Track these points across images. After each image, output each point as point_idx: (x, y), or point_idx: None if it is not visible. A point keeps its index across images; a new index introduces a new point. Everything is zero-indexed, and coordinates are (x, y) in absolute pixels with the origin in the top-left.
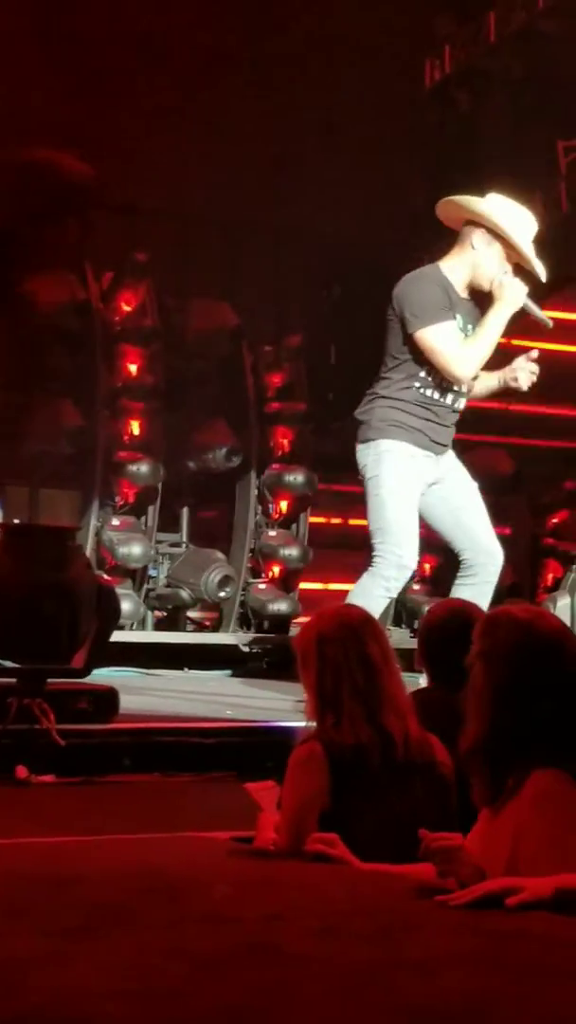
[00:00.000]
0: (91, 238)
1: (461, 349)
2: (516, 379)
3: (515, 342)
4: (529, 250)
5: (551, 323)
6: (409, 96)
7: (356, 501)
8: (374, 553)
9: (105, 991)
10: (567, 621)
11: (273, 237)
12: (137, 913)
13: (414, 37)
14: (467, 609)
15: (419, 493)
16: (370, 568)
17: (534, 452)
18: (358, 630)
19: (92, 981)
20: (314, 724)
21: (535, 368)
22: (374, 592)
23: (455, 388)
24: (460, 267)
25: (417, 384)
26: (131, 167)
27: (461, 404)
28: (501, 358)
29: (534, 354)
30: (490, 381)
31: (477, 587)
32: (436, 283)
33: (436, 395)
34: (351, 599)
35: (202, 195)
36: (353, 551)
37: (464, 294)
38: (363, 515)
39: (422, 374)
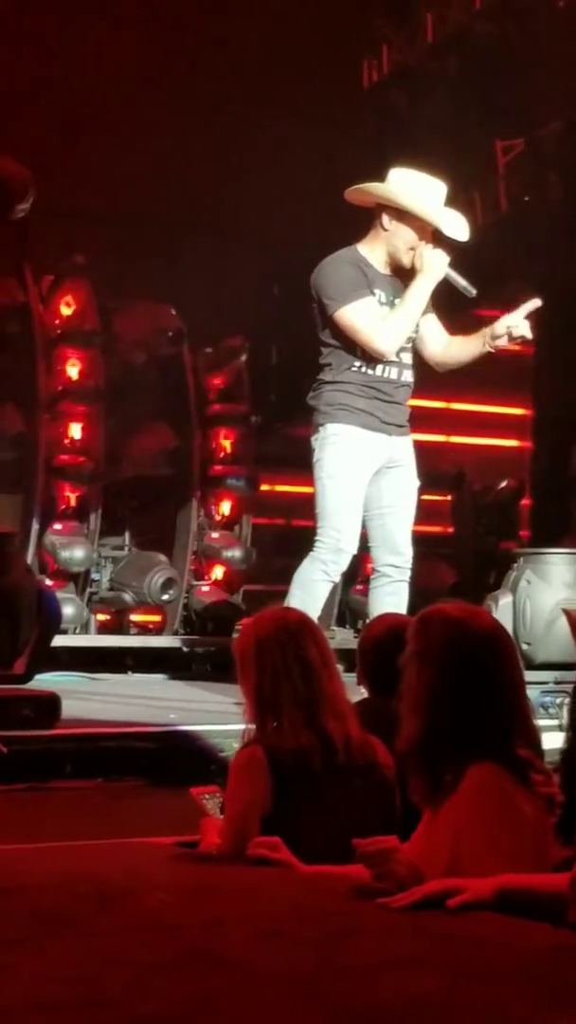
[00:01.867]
0: (29, 241)
1: (381, 323)
2: (503, 337)
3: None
4: (439, 217)
5: (474, 291)
6: (347, 97)
7: (298, 502)
8: (315, 537)
9: (45, 1002)
10: (509, 620)
11: (213, 238)
12: (78, 922)
13: (351, 38)
14: (404, 623)
15: (365, 477)
16: (310, 552)
17: (476, 450)
18: (296, 633)
19: (32, 992)
20: (254, 728)
21: (519, 323)
22: (313, 576)
23: (396, 360)
24: (376, 247)
25: (357, 364)
26: (70, 169)
27: (408, 376)
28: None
29: (531, 305)
30: (471, 345)
31: (388, 588)
32: (349, 263)
33: (379, 371)
34: (293, 585)
35: (141, 196)
36: (297, 552)
37: (386, 271)
38: (305, 516)
39: (357, 352)
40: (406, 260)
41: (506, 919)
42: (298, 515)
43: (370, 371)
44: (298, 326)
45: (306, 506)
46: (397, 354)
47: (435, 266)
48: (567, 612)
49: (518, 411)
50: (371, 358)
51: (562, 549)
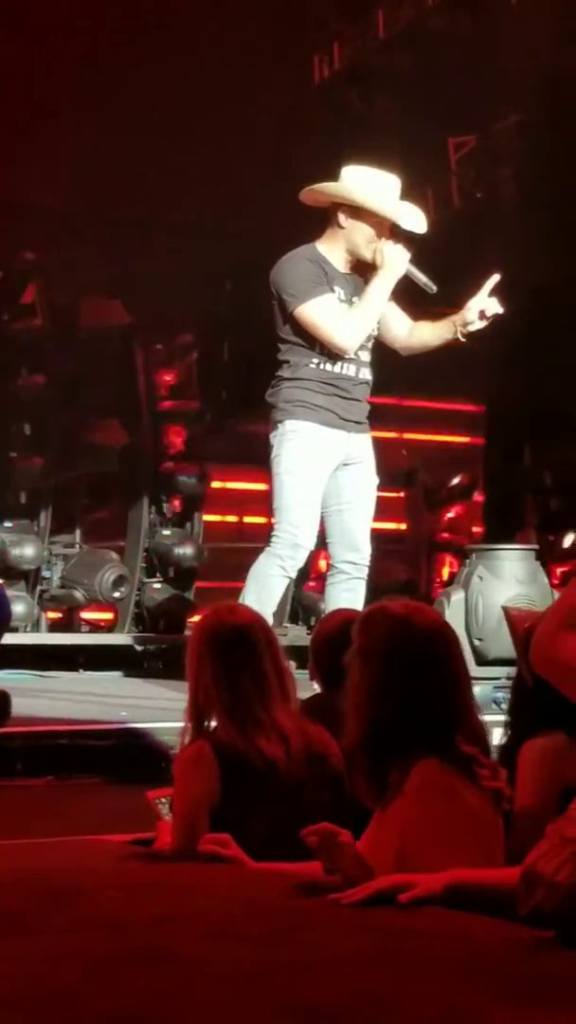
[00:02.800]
0: None
1: (342, 320)
2: (475, 322)
3: None
4: (394, 211)
5: (435, 287)
6: (299, 93)
7: (250, 499)
8: (272, 532)
9: None
10: (461, 616)
11: (164, 234)
12: (28, 919)
13: (303, 34)
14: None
15: (324, 474)
16: (267, 548)
17: (429, 447)
18: (243, 629)
19: None
20: (191, 726)
21: (488, 303)
22: (269, 571)
23: (355, 357)
24: (335, 246)
25: (315, 361)
26: (20, 165)
27: (366, 373)
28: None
29: (493, 281)
30: (439, 331)
31: (344, 584)
32: (309, 259)
33: (337, 368)
34: (248, 580)
35: (92, 192)
36: (248, 549)
37: (345, 269)
38: (257, 513)
39: (316, 349)
40: (367, 255)
41: (455, 914)
42: (250, 512)
43: (329, 368)
44: (249, 323)
45: (258, 503)
46: (356, 351)
47: (395, 262)
48: (507, 611)
49: (471, 407)
50: (330, 354)
51: (514, 545)
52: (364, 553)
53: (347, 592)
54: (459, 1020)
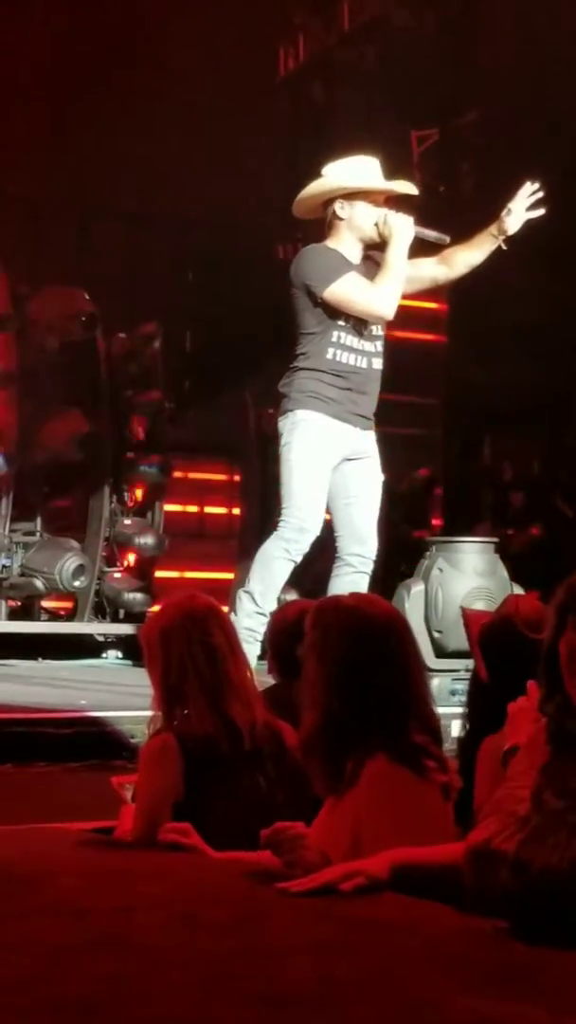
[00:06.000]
0: None
1: (374, 289)
2: (513, 227)
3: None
4: (385, 183)
5: (448, 238)
6: (264, 84)
7: (212, 489)
8: (279, 517)
9: None
10: (421, 608)
11: (127, 223)
12: None
13: (268, 25)
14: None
15: (330, 464)
16: (274, 531)
17: (389, 439)
18: (201, 620)
19: None
20: (160, 716)
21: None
22: (275, 553)
23: (367, 350)
24: (342, 239)
25: (330, 353)
26: None
27: (378, 364)
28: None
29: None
30: (481, 247)
31: (349, 577)
32: (325, 248)
33: (351, 360)
34: (254, 562)
35: (54, 181)
36: (209, 539)
37: (357, 260)
38: (218, 503)
39: (333, 340)
40: (375, 235)
41: (411, 902)
42: (211, 502)
43: (343, 360)
44: (212, 312)
45: (219, 492)
46: (369, 341)
47: (403, 229)
48: (464, 610)
49: (430, 400)
50: (347, 345)
51: (474, 537)
52: (370, 546)
53: (352, 585)
54: (421, 1009)
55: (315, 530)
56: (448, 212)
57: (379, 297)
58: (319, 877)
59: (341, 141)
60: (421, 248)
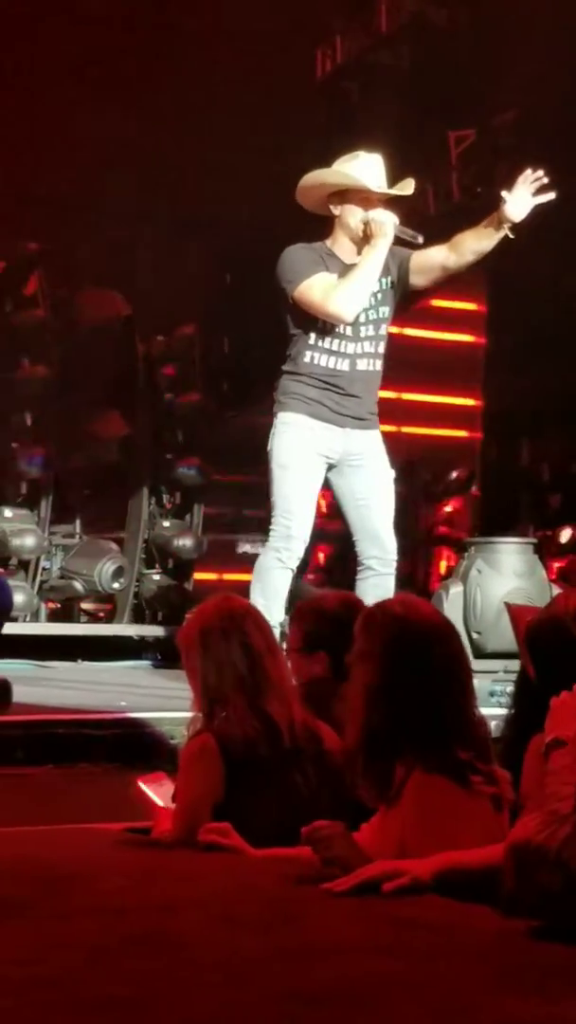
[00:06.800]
0: None
1: (334, 290)
2: (513, 214)
3: (408, 331)
4: (373, 180)
5: (421, 238)
6: (301, 86)
7: (249, 491)
8: (269, 526)
9: None
10: (459, 609)
11: (165, 226)
12: (28, 905)
13: (305, 27)
14: (356, 600)
15: (316, 466)
16: (266, 543)
17: (427, 441)
18: (239, 620)
19: None
20: (200, 717)
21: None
22: (268, 565)
23: (348, 351)
24: (338, 238)
25: (309, 355)
26: (22, 156)
27: (367, 365)
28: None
29: (527, 176)
30: (489, 231)
31: (372, 581)
32: (305, 248)
33: (331, 363)
34: (253, 577)
35: (94, 184)
36: (247, 541)
37: (352, 259)
38: (256, 505)
39: (310, 343)
40: (361, 233)
41: (451, 903)
42: (249, 504)
43: (323, 363)
44: (251, 315)
45: (257, 495)
46: (354, 343)
47: (383, 227)
48: (509, 606)
49: (469, 402)
50: (326, 348)
51: (513, 538)
52: (388, 547)
53: (375, 588)
54: (460, 1010)
55: (303, 536)
56: (486, 213)
57: (336, 299)
58: (361, 874)
59: (378, 143)
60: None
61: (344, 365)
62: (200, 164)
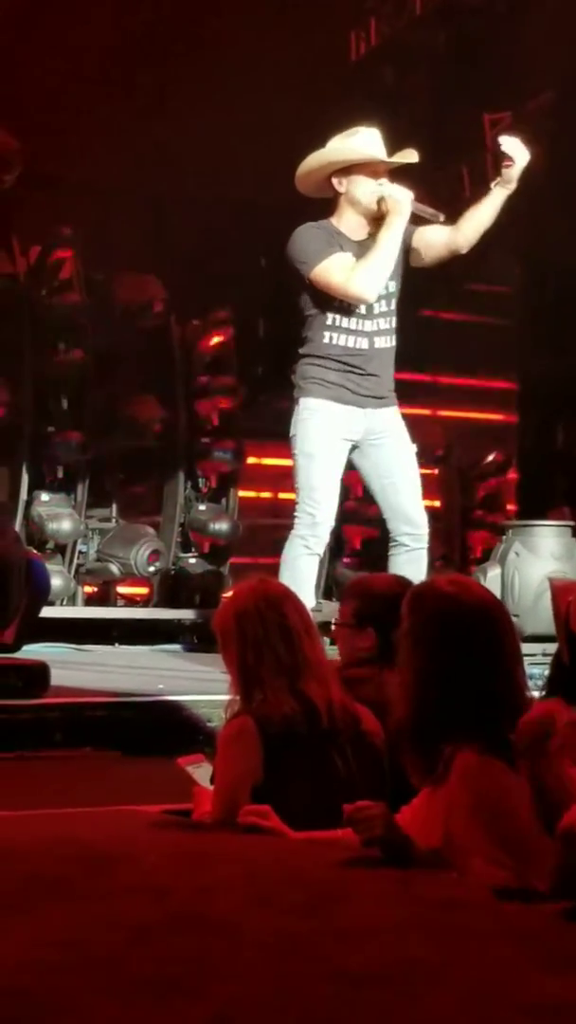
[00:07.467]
0: (18, 212)
1: (354, 270)
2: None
3: (443, 315)
4: (379, 151)
5: (442, 216)
6: (335, 69)
7: (285, 475)
8: (294, 513)
9: (42, 962)
10: (497, 592)
11: (200, 209)
12: (71, 885)
13: (340, 9)
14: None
15: (340, 450)
16: (291, 531)
17: (463, 424)
18: (276, 601)
19: (26, 954)
20: (238, 699)
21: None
22: (295, 553)
23: (366, 329)
24: (343, 215)
25: (327, 336)
26: (56, 139)
27: (385, 342)
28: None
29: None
30: (492, 200)
31: (405, 556)
32: (315, 227)
33: (349, 342)
34: (281, 568)
35: (128, 167)
36: (283, 525)
37: (359, 236)
38: (292, 489)
39: (328, 323)
40: (373, 206)
41: (489, 885)
42: (284, 488)
43: (341, 343)
44: (285, 298)
45: (292, 478)
46: (370, 320)
47: (400, 203)
48: (552, 582)
49: (504, 385)
50: (342, 327)
51: (551, 521)
52: (419, 523)
53: (409, 564)
54: (498, 990)
55: (329, 522)
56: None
57: (357, 278)
58: None
59: (413, 125)
60: (416, 223)
61: (363, 343)
62: (235, 146)
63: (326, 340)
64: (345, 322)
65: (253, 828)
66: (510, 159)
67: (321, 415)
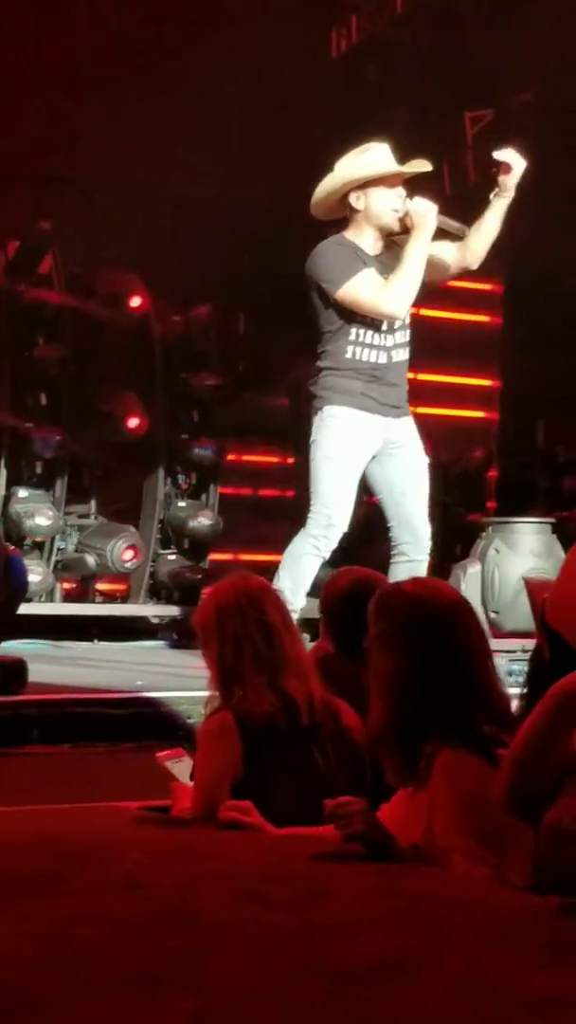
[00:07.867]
0: None
1: (384, 288)
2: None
3: (424, 312)
4: (393, 165)
5: (468, 230)
6: (316, 66)
7: (265, 472)
8: (308, 513)
9: (24, 958)
10: (477, 588)
11: (181, 206)
12: (52, 882)
13: (321, 6)
14: (370, 578)
15: (361, 457)
16: (303, 528)
17: (443, 421)
18: (256, 598)
19: (8, 949)
20: (218, 695)
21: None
22: (303, 550)
23: (387, 344)
24: (360, 231)
25: (349, 351)
26: (37, 135)
27: (402, 355)
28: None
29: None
30: (495, 211)
31: (406, 566)
32: (339, 244)
33: (371, 357)
34: (284, 559)
35: (109, 163)
36: (263, 522)
37: (376, 250)
38: (272, 486)
39: (351, 338)
40: (394, 222)
41: (477, 881)
42: (265, 485)
43: (364, 357)
44: (265, 296)
45: (272, 476)
46: (391, 335)
47: (426, 217)
48: (528, 582)
49: (485, 383)
50: (367, 342)
51: (531, 518)
52: (422, 533)
53: (408, 573)
54: (487, 985)
55: (343, 526)
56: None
57: (388, 296)
58: None
59: (395, 122)
60: (440, 237)
61: (383, 358)
62: (216, 145)
63: (348, 355)
64: (368, 337)
65: (234, 824)
66: (508, 168)
67: (346, 421)
